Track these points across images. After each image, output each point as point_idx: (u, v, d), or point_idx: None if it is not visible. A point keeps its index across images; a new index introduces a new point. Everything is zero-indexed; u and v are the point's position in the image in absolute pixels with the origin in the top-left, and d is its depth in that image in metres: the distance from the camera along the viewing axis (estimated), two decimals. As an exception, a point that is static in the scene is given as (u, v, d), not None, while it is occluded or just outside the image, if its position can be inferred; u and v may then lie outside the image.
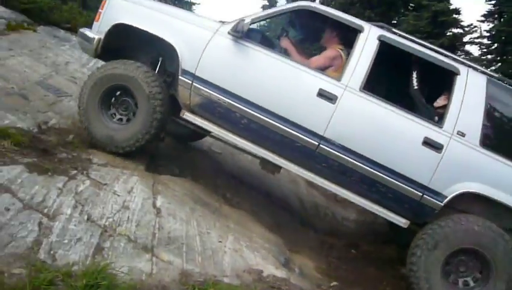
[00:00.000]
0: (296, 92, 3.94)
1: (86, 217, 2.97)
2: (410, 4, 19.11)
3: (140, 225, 3.17)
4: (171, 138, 5.45)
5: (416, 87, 4.25)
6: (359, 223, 6.22)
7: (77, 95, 5.43)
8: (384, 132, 3.87)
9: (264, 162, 4.27)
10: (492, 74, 4.22)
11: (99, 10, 4.43)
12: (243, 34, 3.95)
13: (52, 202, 2.95)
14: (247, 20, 3.99)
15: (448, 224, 3.73)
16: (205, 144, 6.29)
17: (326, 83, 3.91)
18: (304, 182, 6.85)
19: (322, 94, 3.86)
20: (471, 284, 3.77)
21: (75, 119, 4.92)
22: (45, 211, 2.84)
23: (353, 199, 3.99)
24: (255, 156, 4.76)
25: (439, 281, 3.69)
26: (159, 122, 4.10)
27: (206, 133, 4.69)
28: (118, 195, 3.39)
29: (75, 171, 3.50)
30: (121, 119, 4.27)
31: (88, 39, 4.41)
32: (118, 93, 4.24)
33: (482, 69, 4.28)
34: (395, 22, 19.86)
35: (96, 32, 4.35)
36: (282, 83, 3.96)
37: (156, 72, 4.30)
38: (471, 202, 3.85)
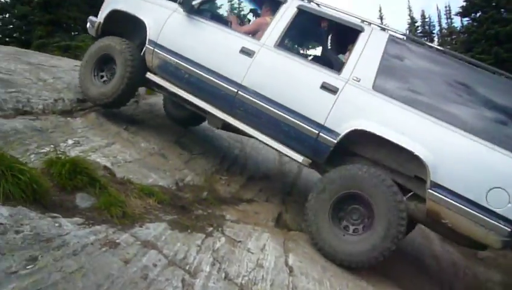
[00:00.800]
0: (224, 50, 4.79)
1: (223, 275, 3.04)
2: (546, 36, 17.48)
3: (275, 284, 3.15)
4: (174, 123, 6.37)
5: (330, 47, 5.07)
6: (507, 286, 5.54)
7: (208, 153, 5.79)
8: (289, 78, 4.45)
9: (210, 117, 5.04)
10: (397, 31, 4.63)
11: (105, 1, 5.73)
12: (187, 6, 4.99)
13: (193, 259, 3.07)
14: (198, 1, 5.07)
15: (336, 170, 4.06)
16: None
17: (248, 42, 4.72)
18: (437, 238, 6.37)
19: (244, 50, 4.63)
20: (358, 230, 3.97)
21: (208, 176, 5.22)
22: (187, 267, 2.96)
23: (262, 138, 4.54)
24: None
25: (327, 224, 3.94)
26: (128, 82, 5.10)
27: (202, 114, 5.24)
28: (252, 253, 3.45)
29: (211, 228, 3.65)
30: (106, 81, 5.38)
31: (92, 23, 5.72)
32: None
33: (389, 28, 4.70)
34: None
35: (99, 18, 5.63)
36: (215, 44, 4.85)
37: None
38: (367, 146, 4.18)
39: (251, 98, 4.47)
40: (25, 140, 3.89)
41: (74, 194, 3.25)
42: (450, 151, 3.78)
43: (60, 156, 3.48)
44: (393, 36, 4.42)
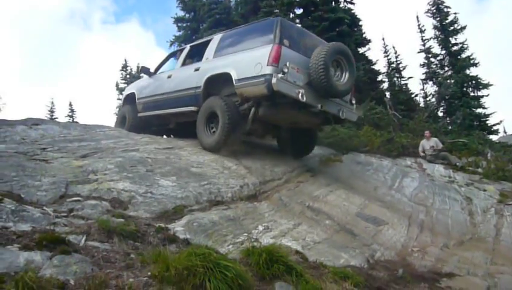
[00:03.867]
0: (162, 82, 8.79)
1: None
2: None
3: None
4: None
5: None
6: None
7: (392, 221, 5.49)
8: (185, 75, 8.25)
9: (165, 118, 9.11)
10: (228, 30, 8.38)
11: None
12: (147, 73, 9.54)
13: None
14: (153, 69, 9.46)
15: (208, 99, 7.29)
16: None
17: (170, 72, 8.86)
18: None
19: (168, 76, 8.74)
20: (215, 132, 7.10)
21: (398, 250, 4.91)
22: None
23: (178, 110, 8.08)
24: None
25: (202, 129, 7.27)
26: (133, 120, 9.35)
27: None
28: None
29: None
30: None
31: (121, 100, 10.77)
32: None
33: (227, 30, 8.42)
34: None
35: (123, 97, 10.42)
36: (160, 83, 8.90)
37: None
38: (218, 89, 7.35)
39: (171, 95, 8.26)
40: (221, 231, 4.17)
41: (273, 283, 3.28)
42: (239, 63, 6.83)
43: (254, 244, 3.61)
44: (223, 35, 7.96)
